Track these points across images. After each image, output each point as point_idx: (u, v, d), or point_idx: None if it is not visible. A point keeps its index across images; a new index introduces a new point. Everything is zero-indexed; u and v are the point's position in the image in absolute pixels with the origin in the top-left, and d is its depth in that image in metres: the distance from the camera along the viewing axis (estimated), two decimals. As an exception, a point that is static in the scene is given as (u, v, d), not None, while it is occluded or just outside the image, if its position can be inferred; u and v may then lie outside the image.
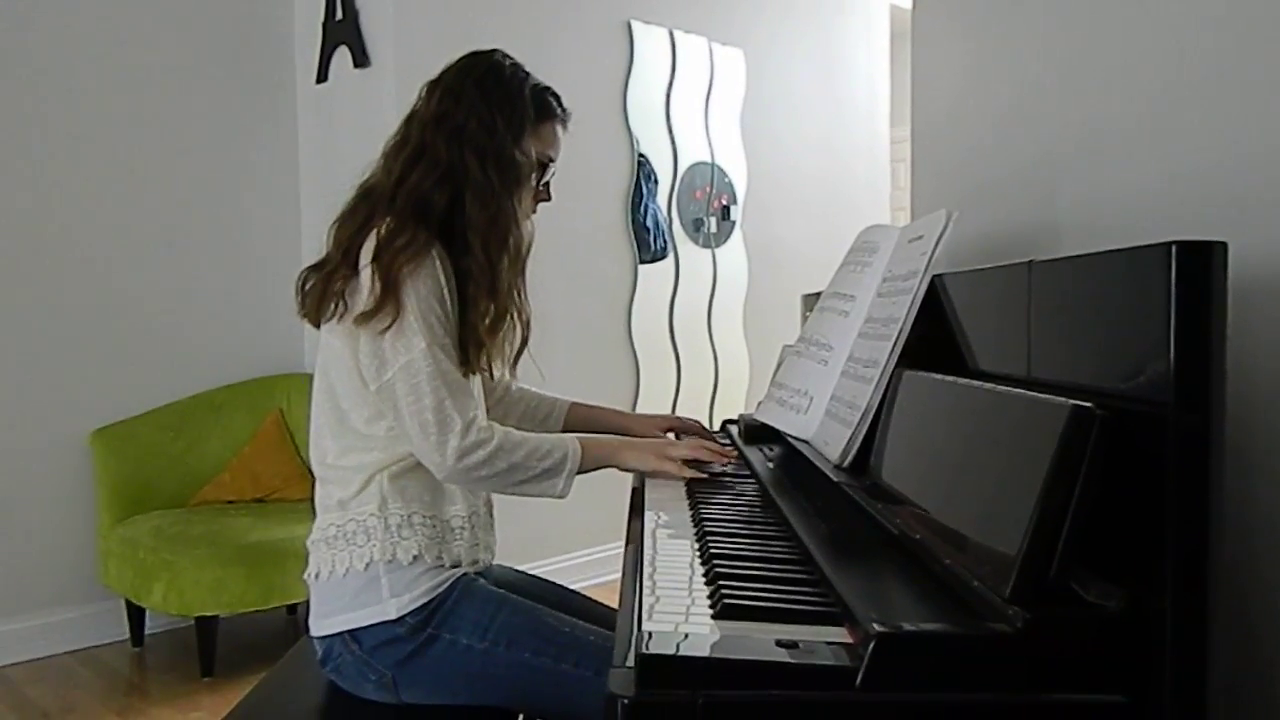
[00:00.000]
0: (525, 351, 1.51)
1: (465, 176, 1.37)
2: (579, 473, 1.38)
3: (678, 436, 1.72)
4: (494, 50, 1.47)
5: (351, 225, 1.37)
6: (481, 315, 1.37)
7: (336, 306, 1.34)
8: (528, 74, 1.46)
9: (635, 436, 1.70)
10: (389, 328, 1.29)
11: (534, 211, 1.49)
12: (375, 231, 1.32)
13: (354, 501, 1.34)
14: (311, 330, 1.43)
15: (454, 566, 1.36)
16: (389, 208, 1.35)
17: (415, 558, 1.31)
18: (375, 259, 1.29)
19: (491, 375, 1.48)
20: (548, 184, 1.50)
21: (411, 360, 1.29)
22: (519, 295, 1.45)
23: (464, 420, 1.29)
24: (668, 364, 3.93)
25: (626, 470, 1.49)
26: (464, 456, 1.29)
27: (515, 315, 1.44)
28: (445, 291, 1.32)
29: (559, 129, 1.48)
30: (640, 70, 3.78)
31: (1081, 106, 1.30)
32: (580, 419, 1.75)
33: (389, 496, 1.33)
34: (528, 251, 1.45)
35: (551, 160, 1.48)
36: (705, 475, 1.45)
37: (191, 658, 2.77)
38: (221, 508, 3.00)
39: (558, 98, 1.48)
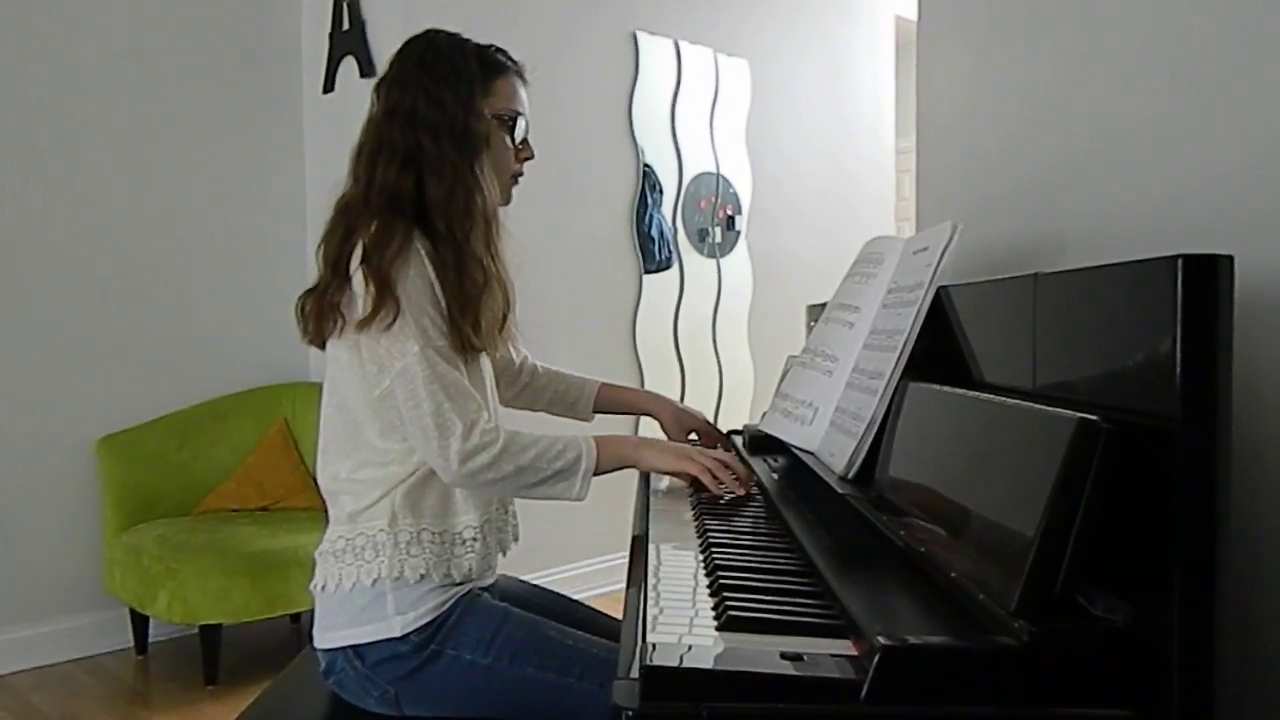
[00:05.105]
0: (513, 325, 1.48)
1: (422, 156, 1.36)
2: (597, 473, 1.35)
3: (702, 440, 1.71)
4: (428, 30, 1.45)
5: (335, 241, 1.36)
6: (460, 291, 1.34)
7: (336, 322, 1.33)
8: (466, 40, 1.44)
9: (663, 416, 1.71)
10: (391, 325, 1.28)
11: (520, 172, 1.48)
12: (361, 241, 1.31)
13: (364, 515, 1.33)
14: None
15: (463, 581, 1.35)
16: (366, 212, 1.34)
17: (422, 576, 1.31)
18: (365, 261, 1.29)
19: (490, 355, 1.45)
20: (526, 140, 1.47)
21: (406, 365, 1.28)
22: (494, 263, 1.39)
23: (465, 423, 1.28)
24: (672, 374, 3.93)
25: (646, 470, 1.46)
26: (467, 460, 1.27)
27: (495, 284, 1.39)
28: (434, 287, 1.31)
29: (516, 81, 1.45)
30: (646, 81, 3.79)
31: (1087, 118, 1.30)
32: (610, 400, 1.75)
33: (400, 512, 1.32)
34: (495, 215, 1.41)
35: (518, 114, 1.45)
36: (721, 496, 1.38)
37: (195, 666, 2.77)
38: (226, 516, 3.00)
39: (504, 52, 1.46)
